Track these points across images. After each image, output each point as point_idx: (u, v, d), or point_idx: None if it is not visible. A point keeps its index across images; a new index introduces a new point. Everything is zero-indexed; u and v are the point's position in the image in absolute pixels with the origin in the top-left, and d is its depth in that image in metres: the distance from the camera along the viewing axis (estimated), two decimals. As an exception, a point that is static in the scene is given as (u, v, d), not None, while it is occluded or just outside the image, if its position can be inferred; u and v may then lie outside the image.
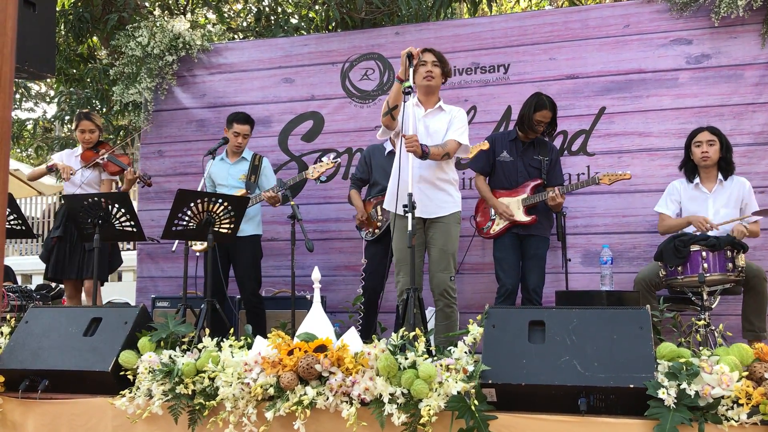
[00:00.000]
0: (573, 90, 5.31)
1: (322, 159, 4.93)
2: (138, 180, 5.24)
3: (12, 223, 4.41)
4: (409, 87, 3.68)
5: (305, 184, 5.77)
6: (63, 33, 8.04)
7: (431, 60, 4.02)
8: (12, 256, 12.57)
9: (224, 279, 5.02)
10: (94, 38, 8.52)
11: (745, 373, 2.43)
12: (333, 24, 7.72)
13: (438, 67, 4.04)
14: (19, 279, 9.12)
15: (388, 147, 4.96)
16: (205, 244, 4.74)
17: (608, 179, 4.57)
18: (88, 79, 8.07)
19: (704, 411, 2.37)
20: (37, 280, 9.44)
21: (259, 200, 4.95)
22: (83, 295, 5.21)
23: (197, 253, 5.03)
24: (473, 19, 6.35)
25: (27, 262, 10.52)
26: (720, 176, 4.46)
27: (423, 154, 3.81)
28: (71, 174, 5.09)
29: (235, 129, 5.06)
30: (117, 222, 4.29)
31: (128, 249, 10.42)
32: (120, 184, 5.56)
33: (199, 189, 4.69)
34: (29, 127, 10.31)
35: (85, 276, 5.06)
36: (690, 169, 4.53)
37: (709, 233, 4.16)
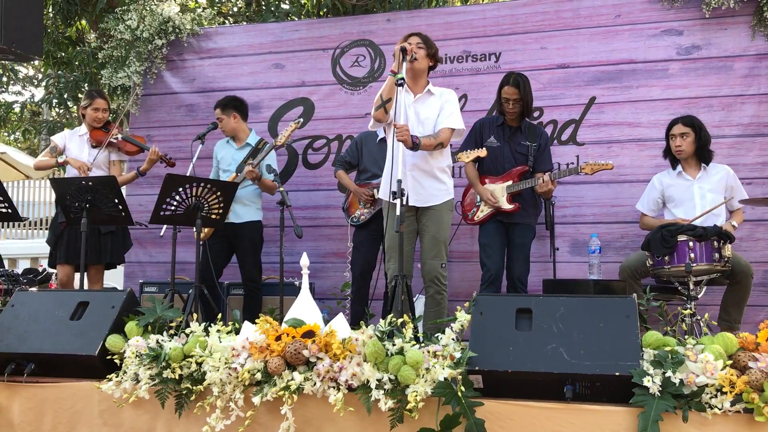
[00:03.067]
0: (564, 79, 5.31)
1: (287, 124, 4.95)
2: (161, 160, 5.07)
3: (-1, 206, 4.36)
4: (402, 78, 3.71)
5: (295, 170, 5.77)
6: (51, 15, 7.97)
7: (416, 42, 4.01)
8: (-2, 240, 12.49)
9: (222, 265, 5.01)
10: (83, 21, 8.45)
11: (729, 362, 2.45)
12: (324, 10, 7.68)
13: (422, 48, 4.02)
14: (5, 263, 9.05)
15: (381, 134, 4.95)
16: (208, 231, 4.75)
17: (590, 168, 4.55)
18: (77, 62, 8.00)
19: (688, 399, 2.38)
20: (24, 265, 9.38)
21: (241, 180, 4.90)
22: (84, 281, 5.12)
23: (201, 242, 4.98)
24: (465, 7, 6.34)
25: (13, 246, 10.45)
26: (702, 164, 4.50)
27: (413, 145, 3.81)
28: (89, 170, 4.89)
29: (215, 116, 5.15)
30: (105, 206, 4.26)
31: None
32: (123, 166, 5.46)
33: (188, 174, 4.67)
34: (16, 110, 10.21)
35: (103, 261, 4.98)
36: (673, 157, 4.58)
37: (696, 223, 4.19)
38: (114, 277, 7.65)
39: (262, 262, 5.14)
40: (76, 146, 5.10)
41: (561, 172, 4.64)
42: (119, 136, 5.07)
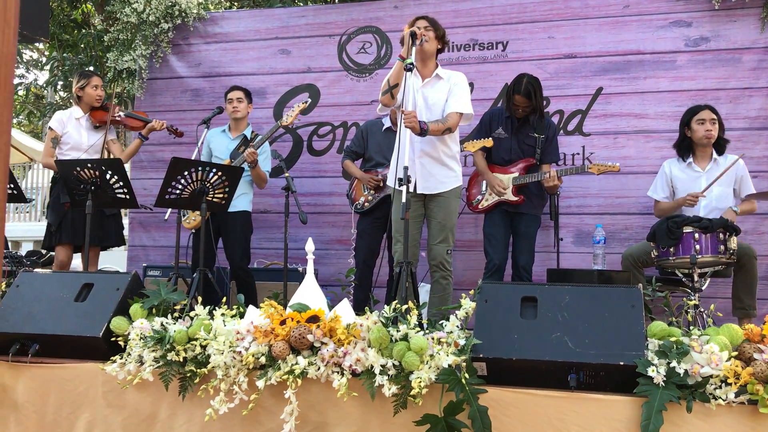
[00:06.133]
0: (571, 69, 5.28)
1: (293, 105, 4.94)
2: (168, 130, 5.15)
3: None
4: (411, 63, 3.68)
5: (300, 156, 5.75)
6: (57, -3, 7.94)
7: (423, 25, 3.98)
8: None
9: (215, 252, 4.99)
10: (89, 4, 8.42)
11: (735, 353, 2.44)
12: (331, -4, 7.65)
13: (431, 31, 4.00)
14: (9, 245, 9.08)
15: (386, 123, 4.94)
16: (197, 220, 4.72)
17: (597, 169, 4.52)
18: (82, 45, 7.99)
19: (693, 389, 2.38)
20: (27, 247, 9.40)
21: (240, 163, 4.86)
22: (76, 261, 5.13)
23: (192, 231, 4.95)
24: (473, -5, 6.30)
25: (17, 229, 10.47)
26: (715, 154, 4.47)
27: (421, 131, 3.80)
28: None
29: (228, 97, 5.07)
30: (110, 189, 4.25)
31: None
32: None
33: (193, 158, 4.66)
34: (21, 92, 10.19)
35: (105, 243, 5.03)
36: (685, 147, 4.54)
37: (701, 212, 4.19)
38: (117, 261, 7.67)
39: (266, 248, 5.13)
40: (74, 130, 5.07)
41: (567, 170, 4.60)
42: (121, 113, 5.09)
